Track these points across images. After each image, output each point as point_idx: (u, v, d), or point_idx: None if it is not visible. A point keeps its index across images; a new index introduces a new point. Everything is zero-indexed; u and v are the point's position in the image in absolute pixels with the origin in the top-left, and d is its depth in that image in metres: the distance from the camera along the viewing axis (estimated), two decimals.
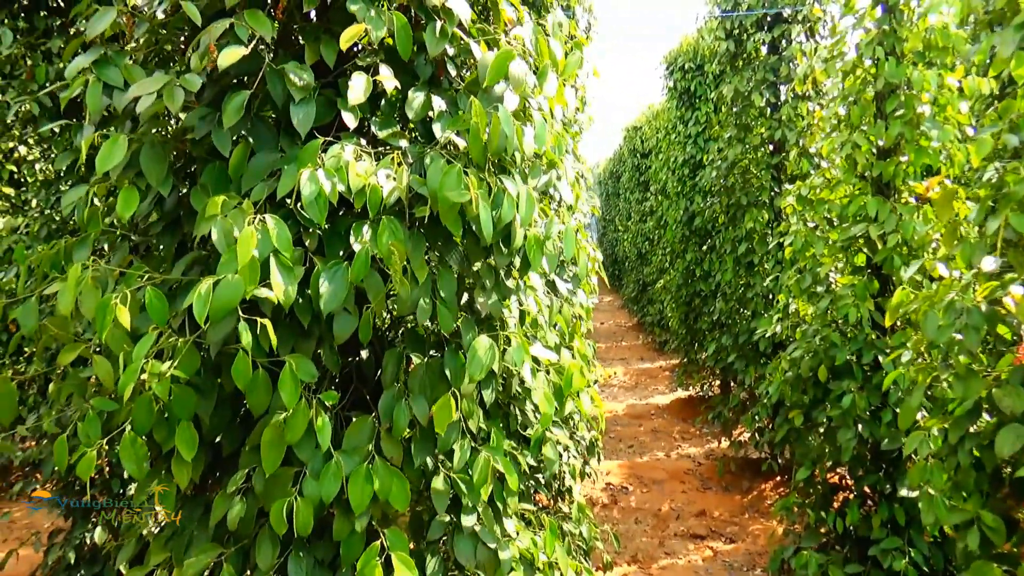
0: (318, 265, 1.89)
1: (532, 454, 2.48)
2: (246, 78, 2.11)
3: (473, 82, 2.19)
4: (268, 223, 1.74)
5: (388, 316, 2.63)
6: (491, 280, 2.20)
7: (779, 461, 7.07)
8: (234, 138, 2.04)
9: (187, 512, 2.14)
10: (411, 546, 2.44)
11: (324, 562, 2.18)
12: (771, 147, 6.96)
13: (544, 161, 2.55)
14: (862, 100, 4.47)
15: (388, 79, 1.97)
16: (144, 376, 1.74)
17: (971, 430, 2.65)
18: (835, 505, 4.76)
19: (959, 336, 2.56)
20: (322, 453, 2.00)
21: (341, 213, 2.11)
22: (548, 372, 2.41)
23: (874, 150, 4.55)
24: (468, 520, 2.32)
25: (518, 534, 2.68)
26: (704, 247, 8.48)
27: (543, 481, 4.46)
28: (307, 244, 1.93)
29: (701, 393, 9.95)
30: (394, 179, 1.91)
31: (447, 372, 2.18)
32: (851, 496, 4.72)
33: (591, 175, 8.81)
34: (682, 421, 9.63)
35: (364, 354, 2.43)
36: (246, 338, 1.68)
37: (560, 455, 4.42)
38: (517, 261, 2.21)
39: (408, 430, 2.22)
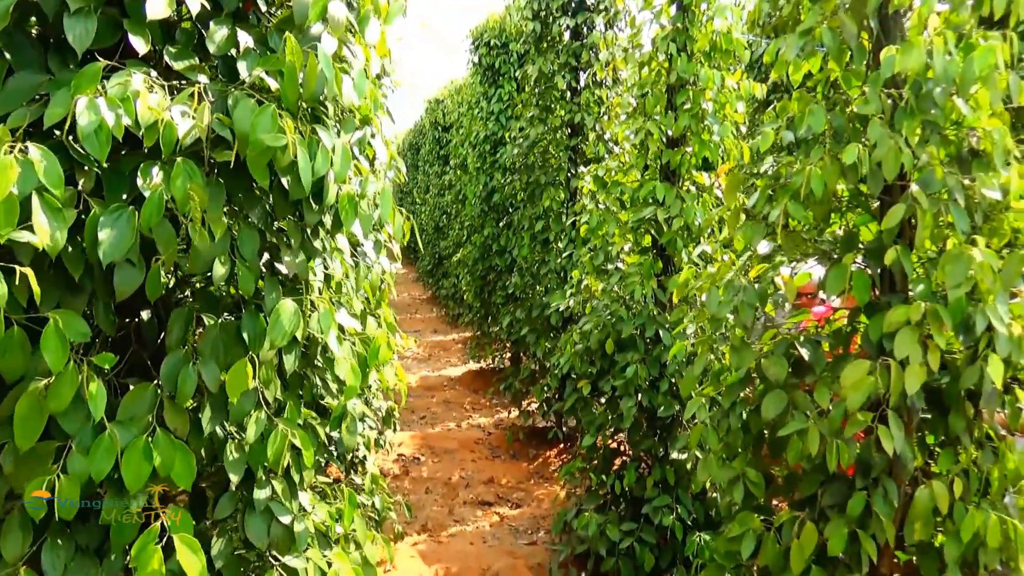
0: (95, 208, 1.63)
1: (332, 427, 2.36)
2: None
3: (286, 20, 2.00)
4: (32, 153, 1.46)
5: (173, 274, 2.36)
6: (297, 239, 2.04)
7: (564, 430, 7.45)
8: None
9: None
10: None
11: (88, 548, 1.92)
12: (569, 130, 7.25)
13: (358, 116, 2.42)
14: (655, 91, 4.76)
15: None
16: None
17: (741, 396, 2.94)
18: (614, 468, 5.11)
19: (734, 312, 2.82)
20: (93, 425, 1.75)
21: (124, 152, 1.84)
22: (354, 342, 2.31)
23: (664, 139, 4.88)
24: (262, 494, 2.16)
25: (313, 508, 2.55)
26: (502, 223, 8.66)
27: (336, 453, 4.32)
28: (81, 184, 1.66)
29: (493, 365, 10.23)
30: (192, 117, 1.70)
31: (244, 335, 2.00)
32: (628, 460, 5.09)
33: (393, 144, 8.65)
34: (474, 392, 9.85)
35: (145, 314, 2.16)
36: (1, 288, 1.41)
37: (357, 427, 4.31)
38: (328, 219, 2.07)
39: (196, 399, 2.01)
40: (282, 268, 2.07)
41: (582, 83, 7.12)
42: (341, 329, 2.37)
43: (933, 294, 2.47)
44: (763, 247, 2.83)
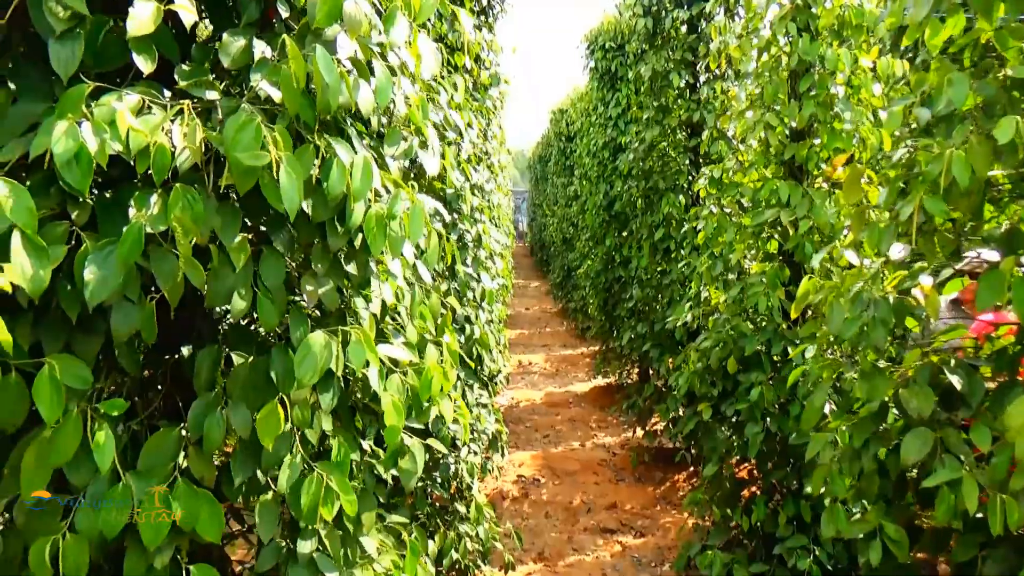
0: (87, 243, 1.49)
1: (385, 467, 2.14)
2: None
3: (307, 26, 1.81)
4: (0, 189, 1.34)
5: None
6: (324, 265, 1.83)
7: (692, 451, 6.93)
8: None
9: None
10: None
11: None
12: (689, 129, 6.77)
13: (411, 128, 2.20)
14: (775, 78, 4.26)
15: (185, 10, 1.57)
16: None
17: (876, 432, 2.45)
18: (742, 501, 4.60)
19: (863, 332, 2.35)
20: (104, 476, 1.61)
21: (135, 181, 1.71)
22: (406, 374, 2.07)
23: (787, 132, 4.36)
24: (306, 546, 1.97)
25: (380, 553, 2.35)
26: (623, 233, 8.27)
27: (439, 480, 4.14)
28: (74, 217, 1.53)
29: (619, 381, 9.80)
30: (188, 136, 1.53)
31: (273, 374, 1.82)
32: (758, 492, 4.57)
33: (507, 155, 8.49)
34: (600, 410, 9.47)
35: (186, 351, 2.04)
36: None
37: (453, 458, 4.11)
38: (358, 242, 1.85)
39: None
40: (308, 296, 1.86)
41: (701, 79, 6.63)
42: (394, 362, 2.15)
43: None
44: (896, 251, 2.34)
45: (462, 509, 4.48)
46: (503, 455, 5.05)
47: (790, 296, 4.30)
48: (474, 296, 4.45)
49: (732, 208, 4.65)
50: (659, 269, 7.01)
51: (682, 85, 6.49)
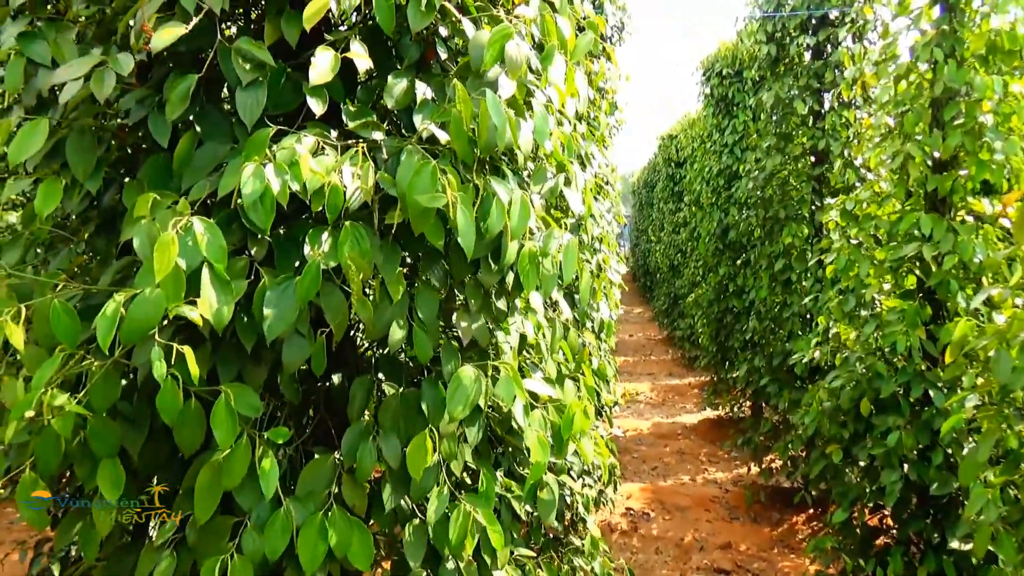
0: (265, 279, 1.58)
1: (527, 501, 2.13)
2: (201, 55, 1.82)
3: (466, 67, 1.86)
4: (196, 227, 1.43)
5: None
6: (478, 301, 1.86)
7: (812, 493, 6.59)
8: (180, 124, 1.75)
9: (113, 564, 1.83)
10: None
11: None
12: (812, 158, 6.53)
13: (553, 163, 2.22)
14: (917, 107, 4.05)
15: (360, 57, 1.65)
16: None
17: None
18: (875, 551, 4.32)
19: None
20: (268, 500, 1.68)
21: (304, 217, 1.80)
22: (547, 410, 2.07)
23: (929, 162, 4.13)
24: None
25: None
26: (738, 262, 8.04)
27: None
28: (254, 253, 1.62)
29: (731, 414, 9.48)
30: (360, 177, 1.59)
31: (424, 407, 1.85)
32: (893, 543, 4.28)
33: (620, 183, 8.45)
34: (710, 443, 9.18)
35: (336, 379, 2.11)
36: (159, 368, 1.37)
37: (568, 490, 4.07)
38: (510, 279, 1.87)
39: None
40: (461, 332, 1.89)
41: (826, 106, 6.39)
42: (534, 396, 2.16)
43: None
44: None
45: (576, 542, 4.42)
46: (615, 489, 4.96)
47: (931, 336, 4.04)
48: (593, 327, 4.42)
49: (866, 241, 4.43)
50: (778, 301, 6.76)
51: (805, 112, 6.27)
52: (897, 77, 4.25)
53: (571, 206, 2.09)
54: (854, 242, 4.55)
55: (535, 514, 3.29)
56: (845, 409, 4.26)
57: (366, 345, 2.31)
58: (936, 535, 3.96)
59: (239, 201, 1.50)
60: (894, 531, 4.29)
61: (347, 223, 1.59)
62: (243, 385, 1.60)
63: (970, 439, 3.79)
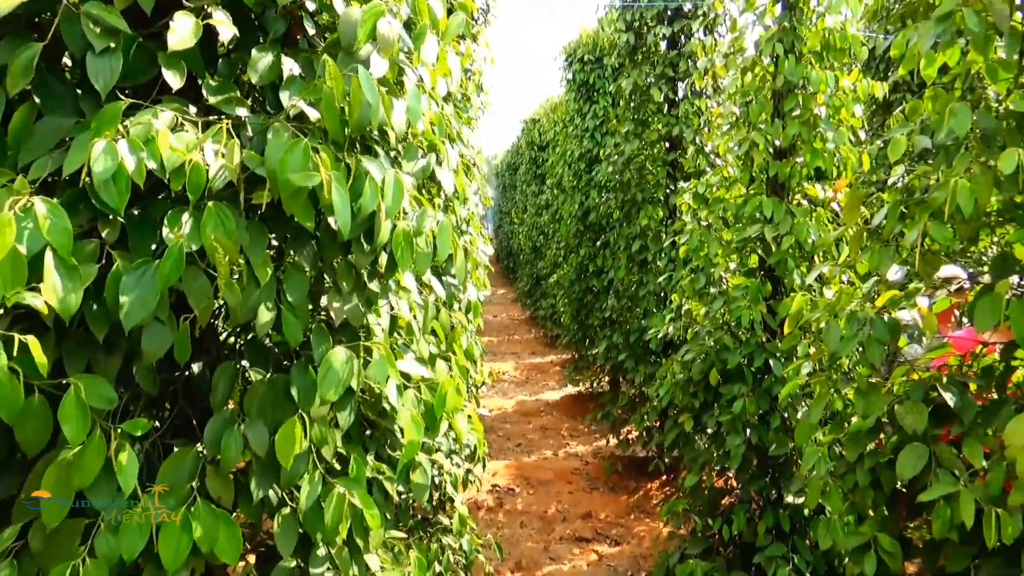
0: (118, 263, 1.47)
1: (399, 481, 2.13)
2: (36, 19, 1.65)
3: (335, 43, 1.80)
4: (38, 207, 1.31)
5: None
6: (350, 282, 1.83)
7: (665, 460, 7.02)
8: (15, 95, 1.58)
9: None
10: None
11: None
12: (667, 144, 6.87)
13: (424, 143, 2.21)
14: (760, 98, 4.35)
15: (224, 24, 1.56)
16: None
17: (870, 447, 2.52)
18: (721, 510, 4.67)
19: (859, 349, 2.42)
20: (125, 497, 1.58)
21: (162, 197, 1.69)
22: (419, 389, 2.07)
23: (771, 150, 4.46)
24: (317, 569, 1.95)
25: (383, 569, 2.33)
26: (598, 243, 8.34)
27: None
28: (105, 235, 1.50)
29: (591, 390, 9.87)
30: (224, 155, 1.52)
31: (293, 391, 1.80)
32: (737, 502, 4.64)
33: (486, 165, 8.50)
34: (571, 418, 9.52)
35: (196, 367, 2.01)
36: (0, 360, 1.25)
37: (437, 470, 4.10)
38: (383, 259, 1.85)
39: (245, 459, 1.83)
40: (333, 313, 1.85)
41: (680, 94, 6.73)
42: (406, 377, 2.15)
43: None
44: (894, 273, 2.42)
45: (445, 521, 4.47)
46: (483, 467, 5.05)
47: (771, 310, 4.39)
48: (460, 307, 4.44)
49: (715, 223, 4.73)
50: (635, 280, 7.09)
51: (661, 100, 6.58)
52: (744, 69, 4.55)
53: (443, 186, 2.09)
54: (704, 224, 4.85)
55: (404, 496, 3.30)
56: (696, 380, 4.56)
57: (227, 331, 2.21)
58: (774, 492, 4.33)
59: (88, 180, 1.38)
60: (738, 491, 4.65)
61: (210, 203, 1.51)
62: (95, 376, 1.49)
63: (804, 403, 4.17)
